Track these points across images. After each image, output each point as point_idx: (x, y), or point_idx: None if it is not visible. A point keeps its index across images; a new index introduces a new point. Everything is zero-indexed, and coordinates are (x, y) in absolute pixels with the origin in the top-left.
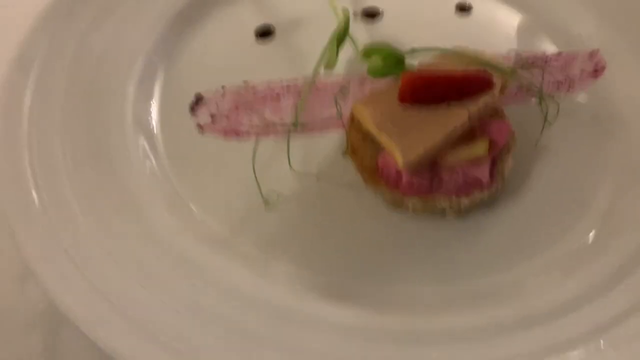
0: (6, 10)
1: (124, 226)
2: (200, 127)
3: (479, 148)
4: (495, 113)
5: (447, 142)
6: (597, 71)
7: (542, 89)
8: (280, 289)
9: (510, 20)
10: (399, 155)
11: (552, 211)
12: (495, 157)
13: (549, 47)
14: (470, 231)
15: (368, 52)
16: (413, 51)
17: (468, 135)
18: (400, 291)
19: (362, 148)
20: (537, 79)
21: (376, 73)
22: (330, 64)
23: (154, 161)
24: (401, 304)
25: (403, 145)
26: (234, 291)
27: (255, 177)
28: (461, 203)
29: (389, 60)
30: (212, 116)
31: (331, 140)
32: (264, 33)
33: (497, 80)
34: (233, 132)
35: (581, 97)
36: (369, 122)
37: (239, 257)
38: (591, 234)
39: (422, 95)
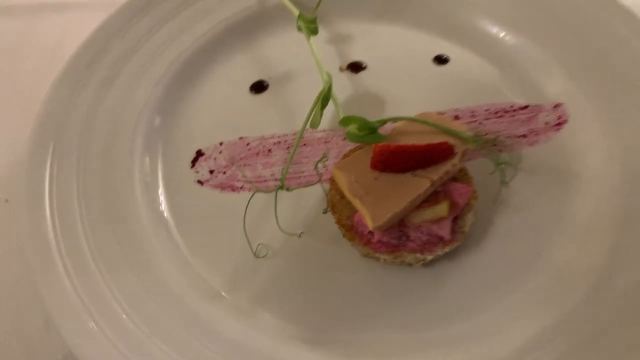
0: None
1: (136, 282)
2: (200, 182)
3: (441, 209)
4: (458, 174)
5: (412, 207)
6: (559, 124)
7: (498, 156)
8: (266, 339)
9: (484, 73)
10: (369, 219)
11: (508, 263)
12: (457, 216)
13: (518, 99)
14: (435, 280)
15: (346, 121)
16: (384, 121)
17: (432, 197)
18: (372, 339)
19: (340, 206)
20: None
21: (353, 139)
22: (314, 124)
23: (159, 219)
24: (374, 351)
25: (373, 211)
26: (228, 341)
27: (246, 235)
28: (426, 257)
29: (363, 129)
30: (211, 172)
31: (315, 197)
32: (259, 88)
33: (459, 148)
34: (229, 187)
35: (542, 152)
36: (344, 187)
37: (233, 310)
38: (543, 284)
39: (391, 164)
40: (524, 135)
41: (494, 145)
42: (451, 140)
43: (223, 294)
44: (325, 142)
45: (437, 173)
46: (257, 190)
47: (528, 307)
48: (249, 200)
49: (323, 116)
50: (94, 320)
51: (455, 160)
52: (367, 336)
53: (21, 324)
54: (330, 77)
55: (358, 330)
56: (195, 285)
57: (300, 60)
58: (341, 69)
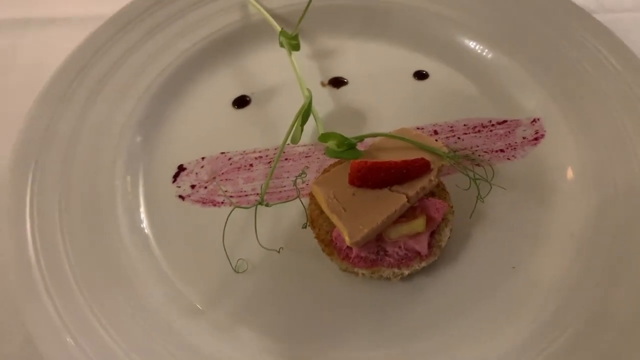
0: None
1: (115, 298)
2: (181, 197)
3: (418, 225)
4: (436, 189)
5: (389, 222)
6: (536, 138)
7: (474, 173)
8: (245, 355)
9: (463, 88)
10: (346, 235)
11: (485, 277)
12: (434, 231)
13: (496, 114)
14: (413, 294)
15: (325, 137)
16: (362, 137)
17: (409, 212)
18: (351, 353)
19: (319, 221)
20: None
21: (332, 155)
22: (295, 139)
23: (139, 234)
24: None
25: (350, 227)
26: (207, 356)
27: (225, 250)
28: (403, 272)
29: (342, 145)
30: (192, 187)
31: (295, 212)
32: (241, 103)
33: (435, 164)
34: (210, 202)
35: (519, 166)
36: (322, 203)
37: (211, 326)
38: (519, 298)
39: (368, 180)
40: (502, 150)
41: (470, 160)
42: (427, 156)
43: (203, 309)
44: (306, 157)
45: (414, 189)
46: (236, 206)
47: (503, 320)
48: (228, 216)
49: (304, 131)
50: (73, 337)
51: (432, 175)
52: (346, 351)
53: (1, 341)
54: (310, 93)
55: (337, 344)
56: (174, 301)
57: (282, 75)
58: (323, 84)
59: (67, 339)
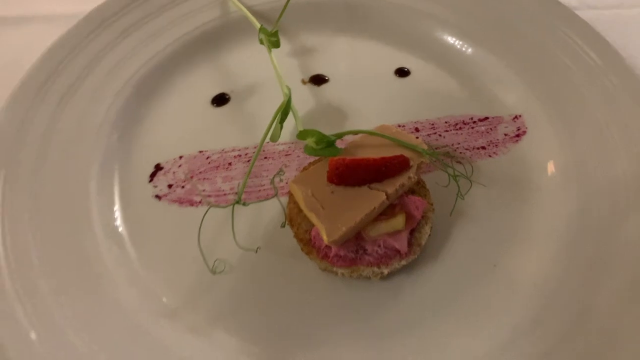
0: None
1: (87, 299)
2: (158, 197)
3: (397, 222)
4: (415, 186)
5: (368, 220)
6: (518, 135)
7: (454, 170)
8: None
9: (444, 85)
10: (324, 234)
11: (465, 275)
12: (413, 229)
13: (478, 111)
14: (394, 293)
15: (303, 135)
16: (341, 135)
17: (389, 210)
18: (332, 354)
19: (298, 219)
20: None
21: (311, 152)
22: (274, 137)
23: (113, 235)
24: None
25: (328, 226)
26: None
27: (201, 251)
28: (383, 271)
29: (320, 143)
30: (170, 186)
31: (274, 211)
32: (220, 101)
33: (414, 161)
34: (187, 201)
35: (500, 163)
36: (300, 201)
37: (187, 328)
38: (500, 295)
39: (346, 178)
40: (483, 147)
41: (450, 157)
42: (407, 153)
43: (178, 311)
44: (286, 155)
45: (393, 186)
46: (212, 205)
47: (485, 318)
48: (204, 216)
49: (285, 129)
50: (41, 339)
51: (411, 173)
52: (326, 351)
53: None
54: (290, 90)
55: (317, 345)
56: (150, 303)
57: (262, 73)
58: (304, 82)
59: (35, 341)
